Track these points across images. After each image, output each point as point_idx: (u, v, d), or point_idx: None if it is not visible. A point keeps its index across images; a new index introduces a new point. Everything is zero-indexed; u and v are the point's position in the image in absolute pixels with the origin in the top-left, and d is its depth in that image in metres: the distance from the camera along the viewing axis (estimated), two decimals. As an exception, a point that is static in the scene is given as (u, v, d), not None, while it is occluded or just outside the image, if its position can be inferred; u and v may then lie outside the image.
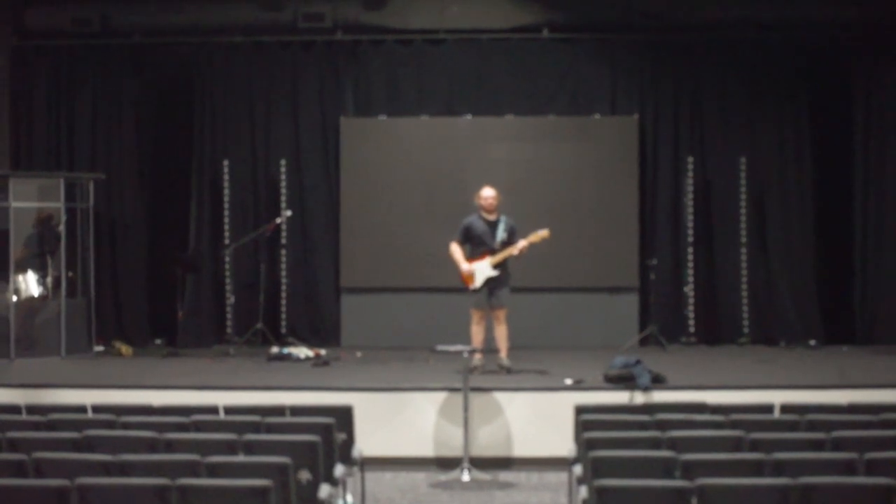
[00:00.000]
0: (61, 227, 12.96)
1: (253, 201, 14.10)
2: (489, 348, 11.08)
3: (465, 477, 9.40)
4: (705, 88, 14.02)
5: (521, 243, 11.04)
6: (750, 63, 13.92)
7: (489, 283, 11.11)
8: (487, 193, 11.26)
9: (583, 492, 6.56)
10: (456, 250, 11.22)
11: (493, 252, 11.09)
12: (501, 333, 11.21)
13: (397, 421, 10.13)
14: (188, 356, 12.90)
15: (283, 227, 13.81)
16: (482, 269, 11.09)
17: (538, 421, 10.07)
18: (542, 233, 11.12)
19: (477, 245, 11.18)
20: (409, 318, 13.56)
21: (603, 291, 13.71)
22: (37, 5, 13.94)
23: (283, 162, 14.04)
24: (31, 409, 8.06)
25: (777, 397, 8.56)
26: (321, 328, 13.96)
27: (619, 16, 13.73)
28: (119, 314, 14.01)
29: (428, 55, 14.11)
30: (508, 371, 11.05)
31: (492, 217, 11.22)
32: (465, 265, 11.14)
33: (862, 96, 13.80)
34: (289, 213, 13.69)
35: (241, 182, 14.05)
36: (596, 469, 6.20)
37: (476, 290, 11.13)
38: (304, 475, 6.63)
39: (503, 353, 11.19)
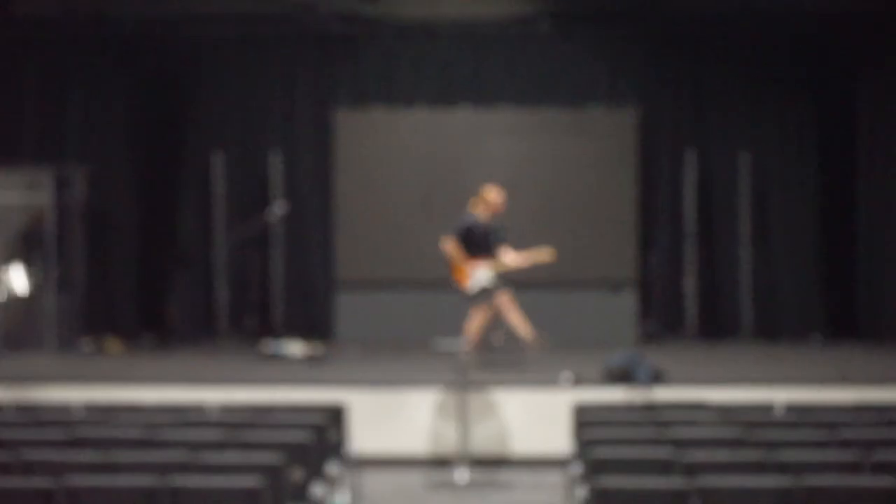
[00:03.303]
0: (47, 223, 12.85)
1: (246, 194, 14.01)
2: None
3: (462, 476, 9.32)
4: (706, 81, 13.96)
5: (527, 257, 11.03)
6: (752, 55, 13.85)
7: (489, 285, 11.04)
8: (502, 198, 11.15)
9: (581, 492, 6.48)
10: (455, 248, 11.06)
11: (490, 256, 11.01)
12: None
13: (392, 419, 10.05)
14: (179, 352, 12.83)
15: (277, 220, 13.70)
16: (483, 275, 10.98)
17: (536, 419, 10.00)
18: (549, 256, 11.06)
19: (474, 248, 11.06)
20: (404, 313, 13.43)
21: (602, 287, 13.60)
22: (26, -5, 13.82)
23: (276, 154, 13.93)
24: (19, 407, 8.07)
25: (779, 395, 8.49)
26: (315, 323, 13.86)
27: (618, 7, 13.63)
28: (109, 309, 13.89)
29: (424, 46, 14.01)
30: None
31: (488, 219, 11.12)
32: (471, 267, 11.01)
33: (866, 89, 13.73)
34: (283, 205, 13.58)
35: (233, 175, 13.97)
36: (595, 468, 6.17)
37: (473, 294, 10.99)
38: (297, 473, 6.57)
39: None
